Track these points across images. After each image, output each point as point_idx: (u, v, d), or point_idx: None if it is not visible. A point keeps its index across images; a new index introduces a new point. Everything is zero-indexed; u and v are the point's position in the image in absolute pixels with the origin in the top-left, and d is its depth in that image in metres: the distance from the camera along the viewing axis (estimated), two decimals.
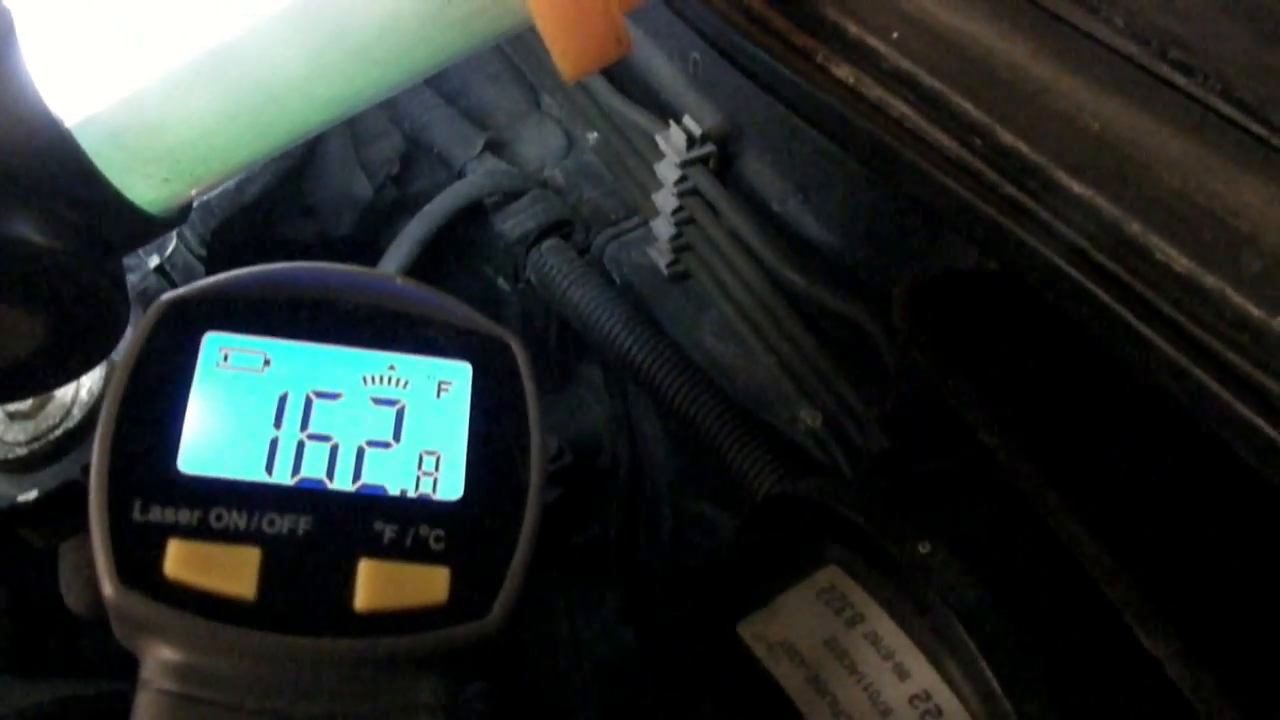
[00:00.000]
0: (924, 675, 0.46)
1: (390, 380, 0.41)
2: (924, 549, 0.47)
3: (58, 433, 0.64)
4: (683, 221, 0.82)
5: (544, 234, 0.91)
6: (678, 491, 0.88)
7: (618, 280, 0.89)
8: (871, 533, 0.49)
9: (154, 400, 0.39)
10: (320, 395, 0.41)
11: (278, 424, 0.40)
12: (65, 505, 0.65)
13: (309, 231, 1.01)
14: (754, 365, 0.79)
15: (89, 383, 0.65)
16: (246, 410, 0.40)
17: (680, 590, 0.83)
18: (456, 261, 0.97)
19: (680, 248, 0.84)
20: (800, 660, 0.48)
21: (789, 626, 0.49)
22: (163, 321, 0.41)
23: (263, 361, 0.41)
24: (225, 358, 0.41)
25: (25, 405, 0.64)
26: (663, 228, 0.84)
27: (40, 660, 0.80)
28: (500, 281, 0.96)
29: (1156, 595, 0.43)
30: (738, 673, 0.49)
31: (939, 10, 0.47)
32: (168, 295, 0.41)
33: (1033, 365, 0.52)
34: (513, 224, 0.92)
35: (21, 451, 0.64)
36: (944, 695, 0.45)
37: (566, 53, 0.42)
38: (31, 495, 0.64)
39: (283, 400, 0.40)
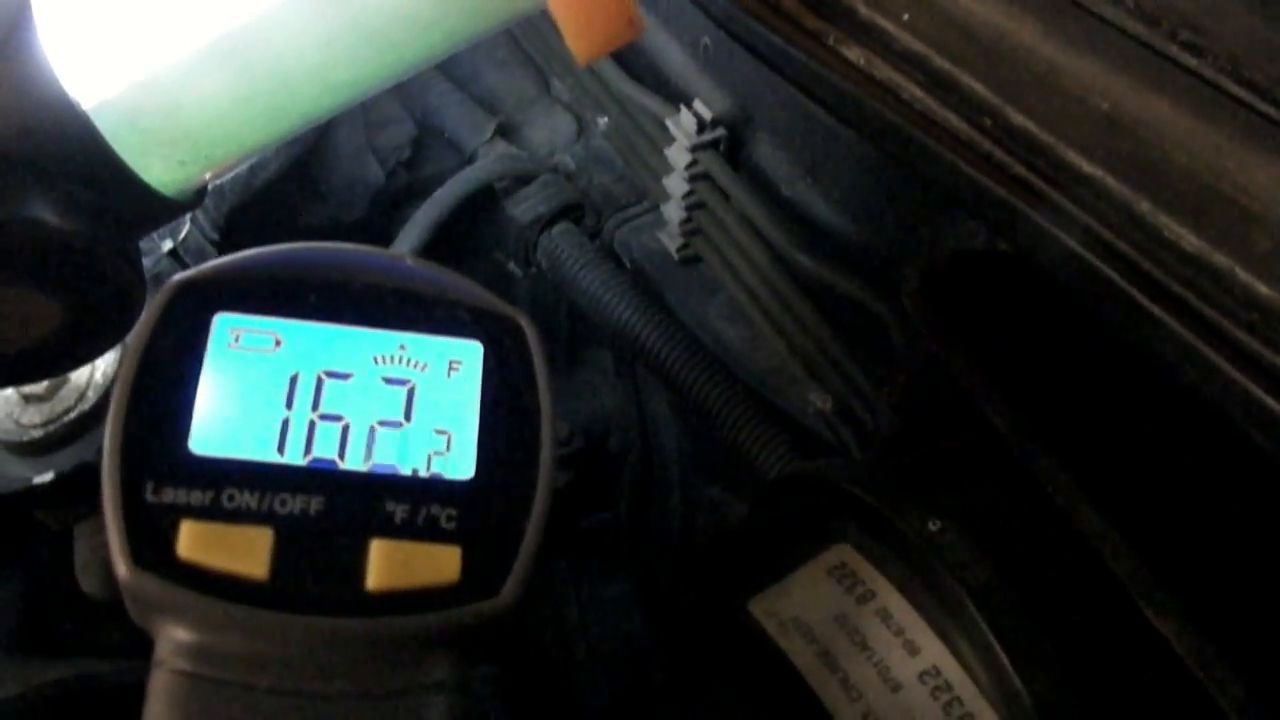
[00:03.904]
0: (934, 651, 0.46)
1: (401, 360, 0.41)
2: (934, 526, 0.47)
3: (73, 415, 0.65)
4: (693, 206, 0.82)
5: (554, 218, 0.91)
6: (688, 475, 0.88)
7: (628, 264, 0.89)
8: (882, 511, 0.49)
9: (165, 382, 0.39)
10: (331, 375, 0.41)
11: (289, 404, 0.40)
12: (81, 487, 0.66)
13: (321, 216, 1.01)
14: (764, 348, 0.79)
15: (104, 365, 0.66)
16: (258, 391, 0.40)
17: (690, 572, 0.83)
18: (467, 246, 0.97)
19: (690, 232, 0.84)
20: (811, 637, 0.48)
21: (800, 603, 0.49)
22: (173, 303, 0.41)
23: (274, 342, 0.41)
24: (236, 338, 0.41)
25: (41, 388, 0.65)
26: (673, 212, 0.84)
27: (55, 642, 0.81)
28: (511, 266, 0.96)
29: (1164, 572, 0.43)
30: (749, 649, 0.49)
31: None
32: (178, 276, 0.41)
33: (1041, 346, 0.52)
34: (523, 209, 0.92)
35: (37, 434, 0.65)
36: (954, 671, 0.46)
37: (579, 35, 0.42)
38: (47, 477, 0.65)
39: (294, 381, 0.40)
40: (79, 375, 0.66)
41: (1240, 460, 0.43)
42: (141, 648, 0.38)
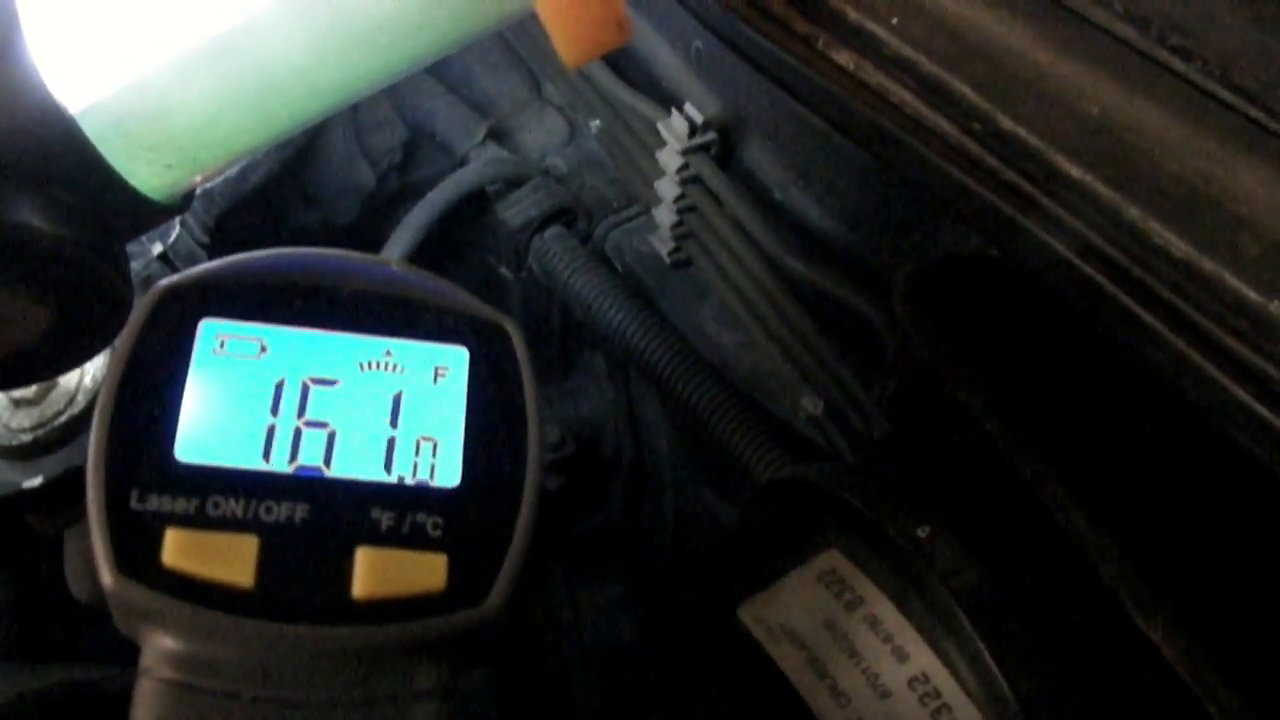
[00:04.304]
0: (923, 658, 0.46)
1: (387, 366, 0.41)
2: (923, 533, 0.47)
3: (62, 419, 0.64)
4: (684, 209, 0.82)
5: (546, 222, 0.91)
6: (680, 479, 0.88)
7: (619, 268, 0.89)
8: (871, 517, 0.49)
9: (150, 388, 0.39)
10: (317, 381, 0.41)
11: (275, 411, 0.40)
12: (70, 491, 0.65)
13: (312, 220, 1.01)
14: (755, 352, 0.79)
15: (93, 369, 0.65)
16: (243, 397, 0.40)
17: (682, 577, 0.83)
18: (459, 250, 0.97)
19: (682, 235, 0.84)
20: (800, 643, 0.48)
21: (789, 609, 0.49)
22: (159, 308, 0.40)
23: (259, 348, 0.41)
24: (221, 344, 0.40)
25: (30, 392, 0.65)
26: (664, 215, 0.84)
27: (47, 647, 0.80)
28: (502, 270, 0.96)
29: (1154, 579, 0.43)
30: (738, 656, 0.49)
31: None
32: (163, 282, 0.41)
33: (1032, 350, 0.52)
34: (515, 212, 0.92)
35: (26, 438, 0.64)
36: (943, 677, 0.45)
37: (567, 39, 0.42)
38: (36, 481, 0.65)
39: (279, 387, 0.40)
40: (68, 379, 0.65)
41: (1230, 465, 0.43)
42: (134, 653, 0.38)
